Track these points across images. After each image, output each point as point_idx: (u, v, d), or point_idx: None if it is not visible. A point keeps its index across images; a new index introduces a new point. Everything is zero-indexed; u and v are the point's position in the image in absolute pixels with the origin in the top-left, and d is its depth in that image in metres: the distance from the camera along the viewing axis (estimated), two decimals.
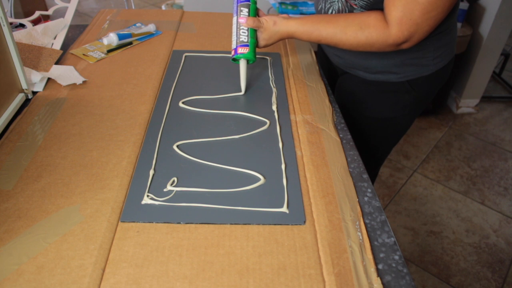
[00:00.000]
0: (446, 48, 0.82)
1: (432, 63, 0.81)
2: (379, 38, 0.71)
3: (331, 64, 0.96)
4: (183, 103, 0.75)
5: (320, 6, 0.85)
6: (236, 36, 0.78)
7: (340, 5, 0.79)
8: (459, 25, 1.92)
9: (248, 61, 0.79)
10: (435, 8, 0.66)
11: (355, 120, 0.91)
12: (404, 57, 0.80)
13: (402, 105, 0.88)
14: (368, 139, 0.94)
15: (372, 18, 0.71)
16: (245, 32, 0.77)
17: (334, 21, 0.74)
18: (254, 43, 0.78)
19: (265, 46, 0.82)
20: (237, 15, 0.79)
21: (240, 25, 0.78)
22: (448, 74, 0.88)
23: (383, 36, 0.70)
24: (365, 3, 0.74)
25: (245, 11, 0.78)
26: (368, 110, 0.90)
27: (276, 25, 0.77)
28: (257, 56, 0.90)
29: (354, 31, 0.72)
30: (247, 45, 0.77)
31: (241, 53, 0.77)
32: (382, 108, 0.89)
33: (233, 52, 0.78)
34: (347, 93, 0.92)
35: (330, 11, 0.82)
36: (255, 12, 0.79)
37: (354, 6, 0.76)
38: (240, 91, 0.79)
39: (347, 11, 0.78)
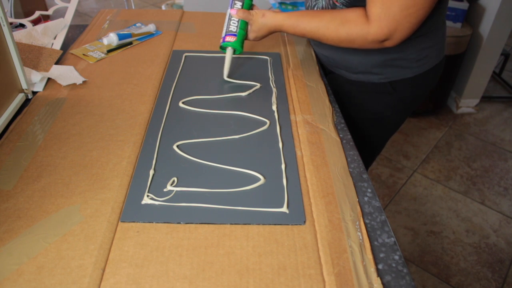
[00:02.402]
0: (431, 51, 0.81)
1: (416, 65, 0.80)
2: (359, 34, 0.71)
3: (321, 63, 0.97)
4: (183, 103, 0.75)
5: (308, 4, 0.86)
6: (226, 26, 0.82)
7: (324, 3, 0.80)
8: (459, 25, 1.92)
9: (234, 51, 0.83)
10: (413, 5, 0.65)
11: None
12: (384, 58, 0.79)
13: (384, 106, 0.87)
14: (353, 138, 0.94)
15: (353, 14, 0.71)
16: (235, 23, 0.81)
17: (319, 16, 0.75)
18: (243, 34, 0.82)
19: (255, 39, 0.84)
20: (230, 7, 0.82)
21: (231, 16, 0.81)
22: (437, 78, 0.87)
23: (363, 32, 0.70)
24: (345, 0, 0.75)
25: (238, 4, 0.81)
26: (351, 109, 0.90)
27: (265, 18, 0.80)
28: (257, 56, 0.92)
29: (336, 26, 0.72)
30: (235, 35, 0.81)
31: (227, 41, 0.81)
32: (364, 108, 0.89)
33: (221, 40, 0.83)
34: (332, 92, 0.92)
35: (315, 8, 0.83)
36: (249, 7, 0.82)
37: (336, 3, 0.76)
38: (242, 91, 0.79)
39: (330, 8, 0.79)
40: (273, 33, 0.83)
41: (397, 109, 0.89)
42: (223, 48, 0.84)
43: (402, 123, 0.96)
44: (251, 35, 0.83)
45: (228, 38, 0.81)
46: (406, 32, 0.69)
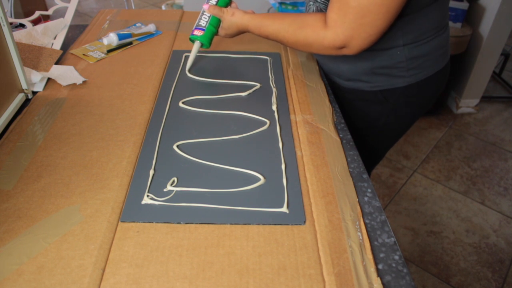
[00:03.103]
0: (425, 60, 0.77)
1: (407, 74, 0.77)
2: (316, 38, 0.70)
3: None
4: (183, 103, 0.75)
5: (305, 9, 0.86)
6: (198, 19, 0.85)
7: (314, 8, 0.80)
8: (459, 25, 1.92)
9: (202, 45, 0.85)
10: (367, 14, 0.63)
11: None
12: (372, 66, 0.78)
13: (377, 115, 0.85)
14: None
15: (312, 18, 0.71)
16: (205, 18, 0.83)
17: (281, 18, 0.75)
18: (212, 30, 0.84)
19: (225, 36, 0.86)
20: (206, 2, 0.84)
21: (204, 11, 0.84)
22: (438, 87, 0.83)
23: (319, 37, 0.70)
24: (323, 5, 0.75)
25: (213, 0, 0.83)
26: (347, 116, 0.86)
27: (234, 16, 0.81)
28: (256, 56, 0.92)
29: (294, 30, 0.73)
30: (203, 29, 0.83)
31: (195, 35, 0.84)
32: (358, 116, 0.87)
33: (191, 33, 0.85)
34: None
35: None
36: (225, 4, 0.84)
37: (323, 10, 0.76)
38: (242, 91, 0.79)
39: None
40: (243, 32, 0.84)
41: (392, 119, 0.86)
42: (191, 41, 0.86)
43: (401, 133, 0.93)
44: (221, 31, 0.85)
45: (196, 32, 0.83)
46: (364, 42, 0.67)
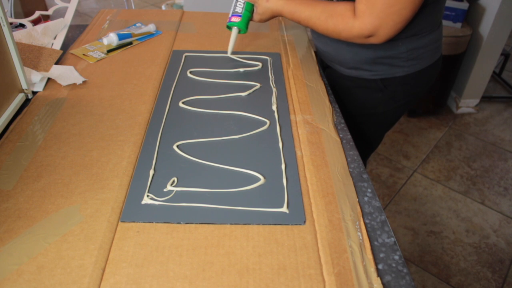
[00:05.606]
0: (424, 51, 0.81)
1: (406, 64, 0.82)
2: (345, 27, 0.74)
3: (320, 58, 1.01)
4: (183, 103, 0.75)
5: None
6: (233, 7, 0.88)
7: None
8: (459, 25, 1.92)
9: (240, 31, 0.88)
10: (395, 4, 0.67)
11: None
12: (374, 55, 0.82)
13: (376, 102, 0.90)
14: (350, 132, 0.96)
15: (342, 7, 0.74)
16: (241, 4, 0.87)
17: (314, 5, 0.78)
18: (248, 16, 0.87)
19: (260, 21, 0.89)
20: None
21: None
22: (431, 78, 0.88)
23: (348, 26, 0.73)
24: None
25: None
26: (346, 103, 0.93)
27: (269, 2, 0.84)
28: (256, 56, 0.92)
29: (325, 18, 0.76)
30: (240, 16, 0.86)
31: (233, 21, 0.87)
32: (358, 103, 0.92)
33: (228, 20, 0.88)
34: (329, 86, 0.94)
35: None
36: None
37: None
38: (242, 91, 0.79)
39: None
40: (276, 16, 0.87)
41: (389, 106, 0.91)
42: (229, 28, 0.89)
43: (396, 120, 0.99)
44: (256, 17, 0.88)
45: (233, 19, 0.87)
46: (391, 30, 0.71)
